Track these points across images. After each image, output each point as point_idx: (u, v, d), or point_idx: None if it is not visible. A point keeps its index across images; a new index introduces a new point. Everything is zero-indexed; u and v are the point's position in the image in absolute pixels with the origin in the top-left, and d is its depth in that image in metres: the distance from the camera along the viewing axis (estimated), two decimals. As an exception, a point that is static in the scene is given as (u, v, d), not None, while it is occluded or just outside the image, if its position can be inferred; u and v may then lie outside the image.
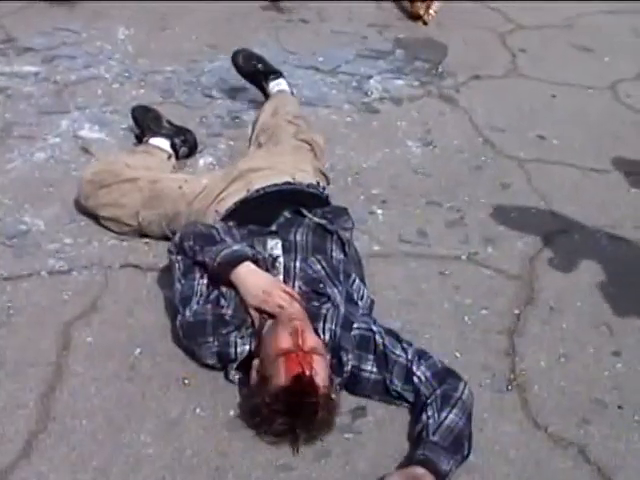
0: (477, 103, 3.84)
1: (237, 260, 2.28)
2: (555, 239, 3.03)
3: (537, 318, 2.66)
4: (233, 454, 2.12)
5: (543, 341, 2.57)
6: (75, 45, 3.95)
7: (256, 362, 2.19)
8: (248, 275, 2.27)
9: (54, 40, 3.97)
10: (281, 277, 2.38)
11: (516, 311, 2.67)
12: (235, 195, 2.67)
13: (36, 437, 2.12)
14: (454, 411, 2.14)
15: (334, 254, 2.50)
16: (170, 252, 2.44)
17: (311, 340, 2.15)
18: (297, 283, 2.36)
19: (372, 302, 2.50)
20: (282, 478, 2.07)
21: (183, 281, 2.37)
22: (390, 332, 2.32)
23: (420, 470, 2.01)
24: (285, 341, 2.12)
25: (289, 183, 2.72)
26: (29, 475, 2.02)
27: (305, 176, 2.80)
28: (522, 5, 4.85)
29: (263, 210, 2.60)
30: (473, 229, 3.02)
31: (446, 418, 2.12)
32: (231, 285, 2.29)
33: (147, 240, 2.75)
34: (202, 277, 2.36)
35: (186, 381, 2.31)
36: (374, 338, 2.26)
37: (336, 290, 2.37)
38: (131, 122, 3.26)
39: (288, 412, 2.06)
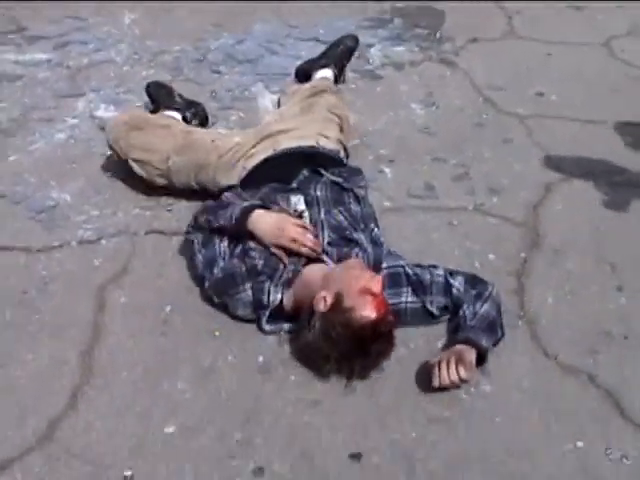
0: (476, 65, 3.97)
1: (249, 209, 2.45)
2: (557, 187, 3.16)
3: (543, 260, 2.79)
4: (265, 394, 2.26)
5: (549, 280, 2.71)
6: (84, 31, 4.08)
7: (323, 293, 2.29)
8: (260, 218, 2.47)
9: (64, 28, 4.10)
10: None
11: (522, 254, 2.81)
12: (262, 153, 2.83)
13: (80, 389, 2.26)
14: (486, 304, 2.41)
15: (352, 206, 2.67)
16: (188, 233, 2.60)
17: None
18: (326, 232, 2.53)
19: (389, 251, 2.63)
20: (311, 413, 2.22)
21: (203, 250, 2.53)
22: (415, 264, 2.50)
23: (464, 347, 2.24)
24: (369, 283, 2.26)
25: (312, 147, 2.87)
26: (78, 422, 2.16)
27: (328, 142, 2.95)
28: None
29: (284, 168, 2.76)
30: (478, 182, 3.15)
31: (481, 308, 2.40)
32: (252, 237, 2.42)
33: (170, 207, 2.87)
34: (222, 241, 2.52)
35: (216, 333, 2.45)
36: (404, 272, 2.45)
37: (362, 235, 2.55)
38: (144, 100, 3.41)
39: (359, 341, 2.21)
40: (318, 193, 2.63)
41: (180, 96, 3.29)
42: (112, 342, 2.41)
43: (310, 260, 2.46)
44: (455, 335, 2.38)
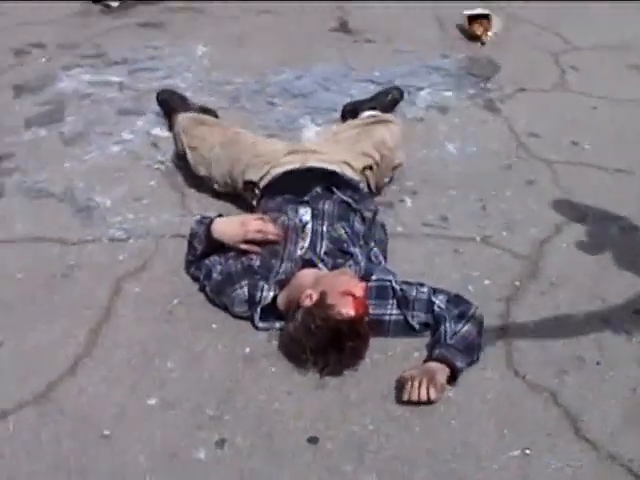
0: (519, 113, 4.13)
1: (209, 222, 2.77)
2: (568, 227, 3.29)
3: (536, 290, 2.93)
4: (244, 380, 2.49)
5: (537, 308, 2.84)
6: (157, 59, 4.45)
7: (309, 291, 2.53)
8: (221, 225, 2.78)
9: (140, 55, 4.48)
10: (309, 239, 2.78)
11: (517, 283, 2.96)
12: (289, 165, 3.10)
13: (81, 360, 2.54)
14: (468, 324, 2.56)
15: (356, 224, 2.89)
16: (190, 274, 2.90)
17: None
18: (324, 242, 2.76)
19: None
20: (282, 400, 2.43)
21: (199, 271, 2.83)
22: (403, 281, 2.69)
23: (437, 365, 2.42)
24: (353, 287, 2.51)
25: (333, 171, 3.10)
26: (73, 387, 2.44)
27: (351, 172, 3.17)
28: (583, 30, 5.07)
29: (301, 183, 3.01)
30: (492, 217, 3.31)
31: (461, 329, 2.55)
32: (222, 245, 2.74)
33: (198, 216, 3.13)
34: (210, 256, 2.81)
35: (214, 325, 2.70)
36: (391, 286, 2.65)
37: (358, 250, 2.76)
38: None
39: (335, 337, 2.44)
40: (326, 207, 2.86)
41: (192, 102, 3.66)
42: (119, 324, 2.68)
43: (306, 265, 2.68)
44: (433, 350, 2.55)
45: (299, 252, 2.71)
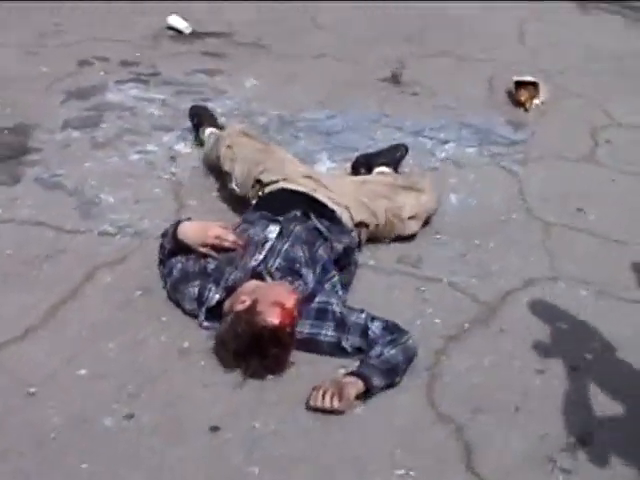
0: (535, 177, 4.20)
1: (177, 224, 3.00)
2: (538, 284, 3.36)
3: (482, 335, 3.03)
4: (172, 370, 2.70)
5: (477, 350, 2.94)
6: (205, 85, 4.75)
7: (244, 297, 2.75)
8: (185, 227, 3.00)
9: (190, 79, 4.80)
10: (264, 253, 2.97)
11: (466, 325, 3.06)
12: (299, 186, 3.33)
13: (35, 329, 2.84)
14: (395, 349, 2.71)
15: (320, 251, 3.04)
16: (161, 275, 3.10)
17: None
18: (278, 260, 2.93)
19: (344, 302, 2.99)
20: (200, 391, 2.64)
21: (164, 268, 3.06)
22: (345, 305, 2.88)
23: (351, 378, 2.59)
24: (284, 298, 2.72)
25: (332, 211, 3.29)
26: (16, 350, 2.75)
27: (346, 217, 3.33)
28: (630, 108, 5.12)
29: (286, 203, 3.20)
30: (468, 264, 3.42)
31: (388, 353, 2.70)
32: (185, 246, 2.96)
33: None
34: (176, 256, 3.03)
35: (164, 318, 2.92)
36: (332, 309, 2.82)
37: (311, 273, 2.93)
38: None
39: (256, 342, 2.64)
40: (295, 229, 3.05)
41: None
42: (80, 305, 2.94)
43: (254, 277, 2.88)
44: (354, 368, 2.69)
45: (252, 264, 2.90)
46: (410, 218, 3.48)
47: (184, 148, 4.03)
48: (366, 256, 3.37)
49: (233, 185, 3.53)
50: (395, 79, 5.17)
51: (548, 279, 3.40)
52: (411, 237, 3.52)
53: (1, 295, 2.94)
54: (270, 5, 6.03)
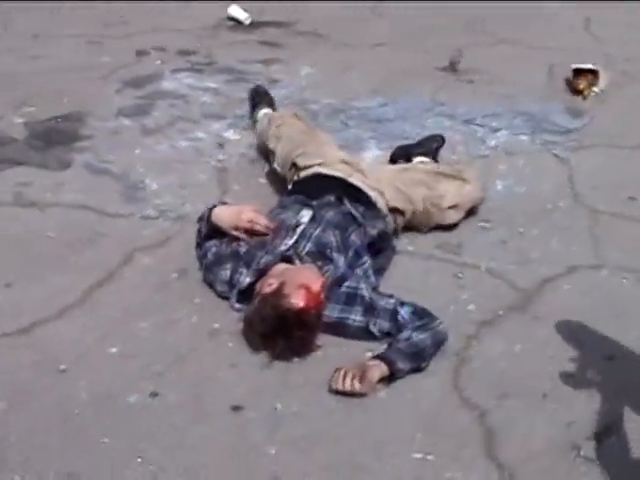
0: (588, 164, 4.12)
1: (212, 207, 3.04)
2: (580, 272, 3.30)
3: (517, 321, 2.99)
4: (200, 350, 2.76)
5: (509, 337, 2.90)
6: (260, 74, 4.80)
7: (272, 280, 2.78)
8: (220, 210, 3.04)
9: (246, 68, 4.86)
10: (295, 237, 2.99)
11: (500, 312, 3.03)
12: (334, 171, 3.36)
13: (71, 308, 2.93)
14: (424, 334, 2.71)
15: (352, 236, 3.05)
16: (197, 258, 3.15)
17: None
18: (308, 244, 2.96)
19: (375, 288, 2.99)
20: (225, 371, 2.68)
21: (200, 250, 3.12)
22: (377, 290, 2.88)
23: (374, 362, 2.60)
24: (311, 281, 2.76)
25: (367, 196, 3.30)
26: (51, 328, 2.84)
27: (381, 202, 3.34)
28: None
29: (321, 188, 3.23)
30: (508, 251, 3.39)
31: (416, 337, 2.70)
32: (219, 230, 3.01)
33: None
34: (211, 239, 3.08)
35: (197, 300, 2.98)
36: (361, 294, 2.83)
37: (342, 258, 2.95)
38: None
39: (282, 324, 2.66)
40: (328, 214, 3.07)
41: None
42: (117, 287, 3.02)
43: (284, 260, 2.92)
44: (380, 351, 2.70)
45: (282, 247, 2.93)
46: (450, 207, 3.45)
47: (233, 135, 4.09)
48: (405, 242, 3.36)
49: (275, 165, 3.58)
50: (453, 67, 5.13)
51: (591, 267, 3.33)
52: (453, 225, 3.46)
53: (41, 276, 3.02)
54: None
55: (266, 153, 3.77)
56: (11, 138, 3.94)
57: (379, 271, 3.09)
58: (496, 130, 4.40)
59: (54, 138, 3.91)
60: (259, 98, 4.14)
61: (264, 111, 4.01)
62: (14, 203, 3.47)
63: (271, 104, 4.13)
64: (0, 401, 2.47)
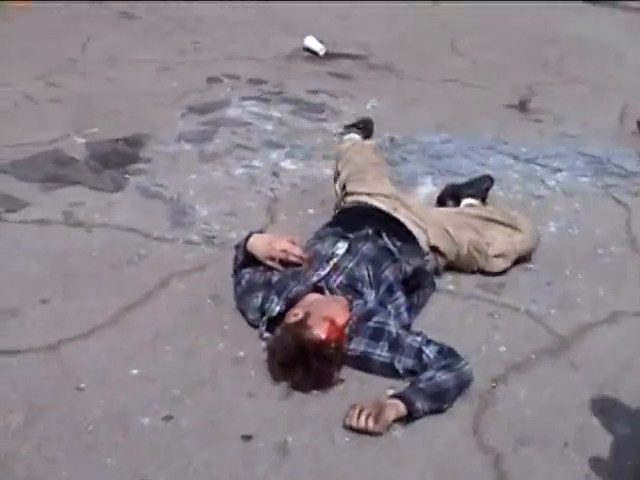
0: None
1: (248, 236, 3.05)
2: (627, 319, 3.21)
3: (549, 366, 2.92)
4: (221, 377, 2.76)
5: (539, 382, 2.83)
6: (325, 105, 4.87)
7: (297, 310, 2.79)
8: (255, 239, 3.05)
9: (312, 99, 4.93)
10: (328, 269, 2.99)
11: (532, 356, 2.96)
12: (379, 203, 3.37)
13: (101, 328, 2.97)
14: (448, 375, 2.65)
15: (386, 272, 3.03)
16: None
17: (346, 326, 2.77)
18: (340, 277, 2.96)
19: (407, 326, 2.96)
20: (244, 400, 2.67)
21: (236, 278, 3.12)
22: (403, 327, 2.85)
23: (392, 401, 2.57)
24: (336, 314, 2.77)
25: (409, 232, 3.29)
26: (78, 347, 2.87)
27: (424, 240, 3.30)
28: None
29: (360, 219, 3.24)
30: (552, 294, 3.32)
31: (439, 378, 2.65)
32: (253, 258, 3.02)
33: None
34: (247, 267, 3.09)
35: (226, 327, 3.00)
36: (388, 329, 2.80)
37: (373, 293, 2.94)
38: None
39: (301, 354, 2.66)
40: (364, 248, 3.06)
41: None
42: (150, 309, 3.06)
43: (316, 291, 2.92)
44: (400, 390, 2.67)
45: (314, 278, 2.93)
46: (497, 256, 3.38)
47: (289, 165, 4.13)
48: (447, 281, 3.33)
49: (336, 185, 3.62)
50: (522, 106, 5.08)
51: (635, 314, 3.22)
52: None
53: (77, 294, 3.08)
54: (412, 28, 6.02)
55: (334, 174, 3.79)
56: (71, 158, 4.06)
57: (414, 308, 3.04)
58: (557, 170, 4.34)
59: (112, 160, 4.00)
60: (362, 125, 4.17)
61: (354, 135, 4.04)
62: (63, 222, 3.56)
63: (367, 134, 4.14)
64: (17, 414, 2.53)
